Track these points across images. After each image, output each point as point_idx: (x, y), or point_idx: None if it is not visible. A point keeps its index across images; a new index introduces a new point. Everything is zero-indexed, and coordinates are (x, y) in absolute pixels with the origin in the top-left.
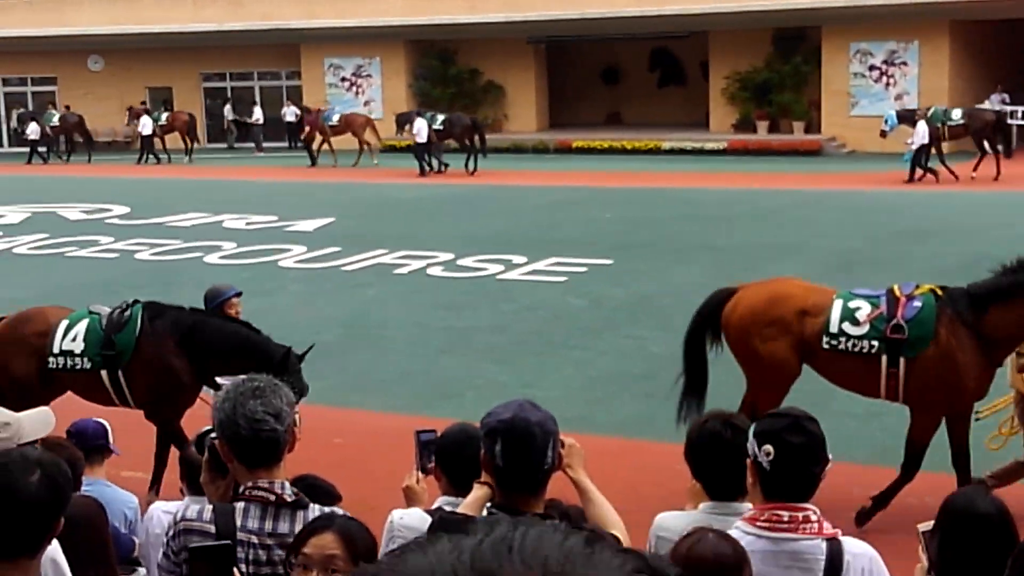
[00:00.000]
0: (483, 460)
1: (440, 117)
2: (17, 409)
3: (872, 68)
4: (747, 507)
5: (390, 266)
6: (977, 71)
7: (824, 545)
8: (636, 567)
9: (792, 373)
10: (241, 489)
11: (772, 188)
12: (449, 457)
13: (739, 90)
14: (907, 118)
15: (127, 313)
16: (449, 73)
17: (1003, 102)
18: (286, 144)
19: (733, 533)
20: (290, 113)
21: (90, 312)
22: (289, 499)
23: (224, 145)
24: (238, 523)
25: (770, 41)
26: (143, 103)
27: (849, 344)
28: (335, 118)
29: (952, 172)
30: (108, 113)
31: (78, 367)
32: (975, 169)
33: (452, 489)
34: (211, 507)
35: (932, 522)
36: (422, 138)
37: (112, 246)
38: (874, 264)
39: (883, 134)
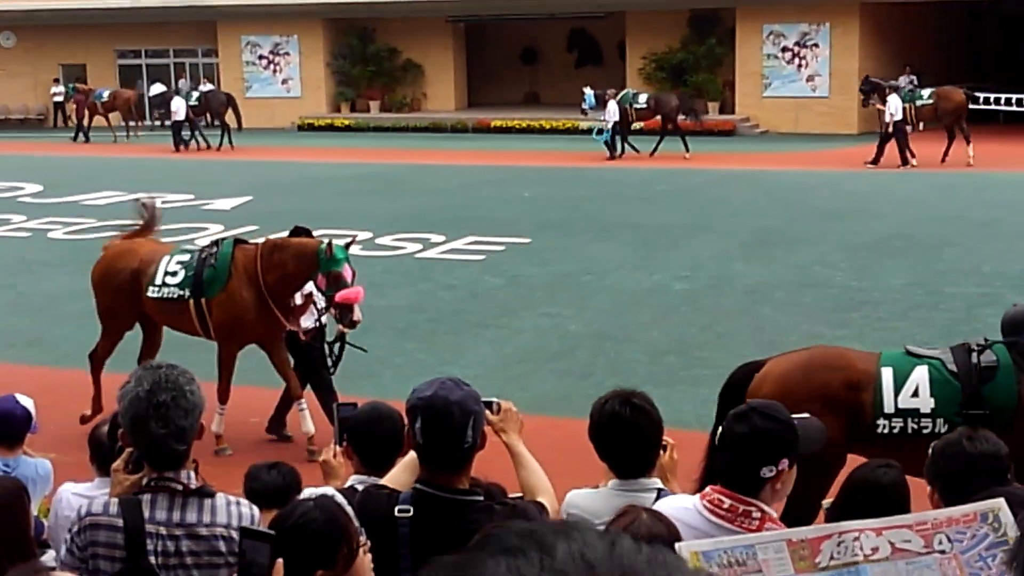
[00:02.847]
0: (407, 436)
1: (195, 93)
2: None
3: (785, 50)
4: (655, 483)
5: None
6: (886, 53)
7: None
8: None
9: None
10: (146, 481)
11: (688, 167)
12: (360, 435)
13: (655, 71)
14: (602, 98)
15: (990, 358)
16: (368, 52)
17: (912, 83)
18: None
19: (689, 505)
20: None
21: (910, 353)
22: (194, 488)
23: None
24: (146, 515)
25: (686, 22)
26: (56, 80)
27: None
28: (106, 95)
29: (636, 150)
30: (22, 90)
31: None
32: (654, 150)
33: (363, 468)
34: (116, 500)
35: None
36: (180, 115)
37: (24, 224)
38: (790, 242)
39: (584, 112)
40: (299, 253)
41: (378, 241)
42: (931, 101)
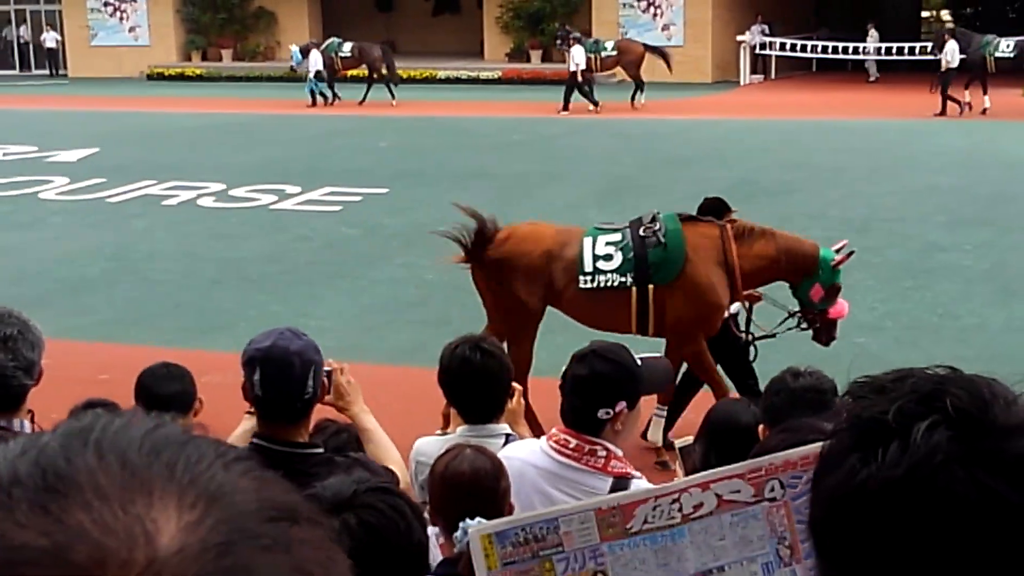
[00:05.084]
0: (243, 389)
1: None
2: None
3: None
4: (503, 427)
5: (158, 197)
6: (739, 2)
7: (609, 482)
8: (239, 455)
9: None
10: None
11: (545, 117)
12: (149, 395)
13: (512, 19)
14: (307, 50)
15: None
16: None
17: (763, 33)
18: (47, 71)
19: (536, 448)
20: (51, 39)
21: None
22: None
23: None
24: None
25: None
26: None
27: None
28: None
29: (337, 97)
30: None
31: None
32: (363, 99)
33: None
34: None
35: (689, 438)
36: None
37: None
38: (643, 189)
39: (293, 69)
40: (797, 253)
41: (231, 193)
42: (614, 52)
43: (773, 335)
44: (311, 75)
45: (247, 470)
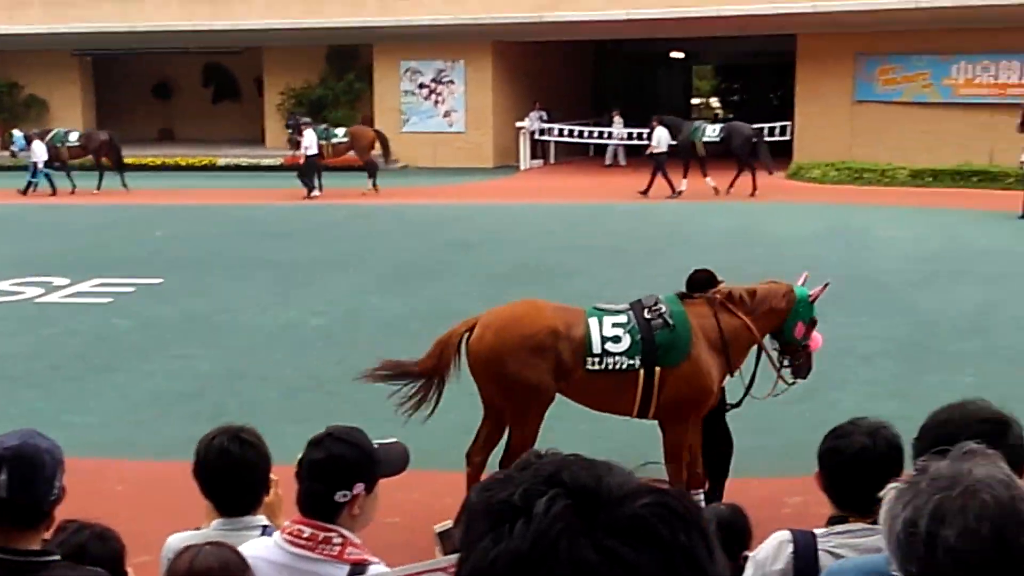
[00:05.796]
0: None
1: None
2: None
3: (422, 86)
4: (260, 519)
5: None
6: (518, 90)
7: (345, 570)
8: None
9: None
10: None
11: (326, 203)
12: None
13: (294, 106)
14: (31, 138)
15: None
16: None
17: (541, 119)
18: None
19: (270, 543)
20: None
21: None
22: None
23: None
24: None
25: (324, 58)
26: None
27: None
28: None
29: (73, 186)
30: None
31: None
32: (125, 186)
33: None
34: None
35: (448, 522)
36: None
37: None
38: (427, 274)
39: (13, 155)
40: (776, 302)
41: None
42: (346, 139)
43: (785, 380)
44: (40, 164)
45: None
